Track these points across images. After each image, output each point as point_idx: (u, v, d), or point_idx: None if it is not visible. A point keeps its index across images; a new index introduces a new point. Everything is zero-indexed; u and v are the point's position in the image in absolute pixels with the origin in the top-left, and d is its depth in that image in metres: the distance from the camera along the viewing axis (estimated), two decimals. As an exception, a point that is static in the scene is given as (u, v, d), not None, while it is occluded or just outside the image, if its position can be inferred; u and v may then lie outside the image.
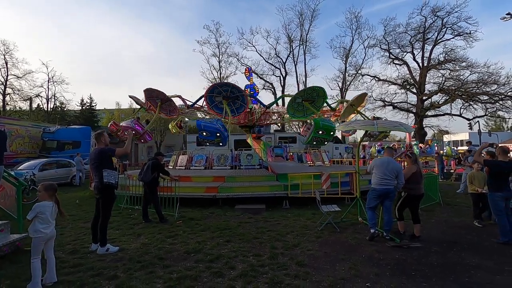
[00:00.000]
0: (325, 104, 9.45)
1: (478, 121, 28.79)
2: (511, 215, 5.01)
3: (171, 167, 13.60)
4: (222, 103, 8.71)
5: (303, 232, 5.51)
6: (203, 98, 9.33)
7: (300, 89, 28.22)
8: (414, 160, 5.25)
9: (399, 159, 12.38)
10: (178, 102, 9.79)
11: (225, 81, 31.63)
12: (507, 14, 27.61)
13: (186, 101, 10.04)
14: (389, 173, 4.88)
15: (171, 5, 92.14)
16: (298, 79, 36.73)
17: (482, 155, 5.77)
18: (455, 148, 26.03)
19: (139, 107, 9.96)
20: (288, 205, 7.92)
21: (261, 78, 36.30)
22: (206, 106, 9.69)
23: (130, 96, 9.56)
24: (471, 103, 26.87)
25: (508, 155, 5.27)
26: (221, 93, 8.51)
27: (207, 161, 12.57)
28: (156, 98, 8.86)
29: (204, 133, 7.77)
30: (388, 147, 6.38)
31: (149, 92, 8.66)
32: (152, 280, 3.48)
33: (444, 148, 21.97)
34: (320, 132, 7.66)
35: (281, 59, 37.19)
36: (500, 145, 5.49)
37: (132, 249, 4.59)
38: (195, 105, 10.05)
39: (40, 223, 3.30)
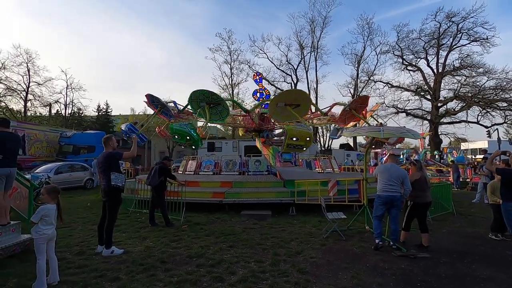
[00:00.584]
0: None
1: (497, 129, 27.77)
2: None
3: (181, 172, 13.79)
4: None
5: (308, 239, 5.44)
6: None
7: (309, 95, 28.19)
8: (419, 167, 5.12)
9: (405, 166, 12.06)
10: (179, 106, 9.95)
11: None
12: (526, 19, 26.74)
13: (179, 105, 10.12)
14: (394, 179, 4.78)
15: (183, 13, 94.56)
16: (309, 86, 36.71)
17: (497, 162, 5.57)
18: (472, 157, 25.17)
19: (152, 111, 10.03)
20: (295, 212, 7.85)
21: (272, 84, 36.45)
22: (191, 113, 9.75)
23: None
24: (488, 110, 25.98)
25: None
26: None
27: (215, 167, 12.67)
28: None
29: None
30: (391, 153, 6.25)
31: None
32: (152, 283, 3.51)
33: (445, 156, 21.26)
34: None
35: (293, 66, 37.34)
36: None
37: (136, 252, 4.65)
38: (185, 111, 10.08)
39: (43, 225, 3.40)
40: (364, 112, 9.06)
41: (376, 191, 5.13)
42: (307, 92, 8.33)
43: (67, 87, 37.01)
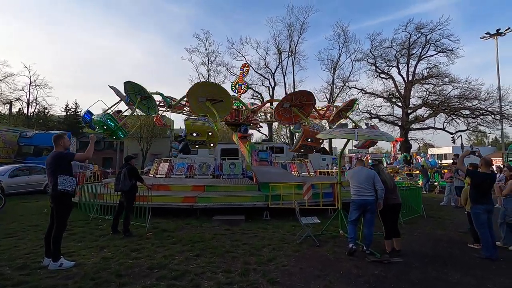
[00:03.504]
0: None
1: (461, 135, 29.48)
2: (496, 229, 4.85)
3: (152, 175, 13.12)
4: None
5: (280, 246, 5.19)
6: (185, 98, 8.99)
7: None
8: (377, 171, 4.91)
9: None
10: (158, 98, 9.46)
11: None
12: (486, 34, 28.85)
13: (169, 99, 9.65)
14: (364, 182, 4.67)
15: (164, 14, 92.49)
16: (287, 90, 36.93)
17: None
18: (439, 162, 26.45)
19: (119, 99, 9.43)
20: (269, 216, 7.61)
21: (250, 88, 36.31)
22: (188, 107, 9.29)
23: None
24: (453, 117, 27.49)
25: (491, 167, 5.16)
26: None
27: (188, 170, 12.16)
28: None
29: (194, 134, 7.17)
30: (358, 158, 6.20)
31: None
32: (102, 301, 3.08)
33: (414, 160, 22.18)
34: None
35: (271, 69, 37.46)
36: (484, 156, 5.30)
37: (90, 264, 4.15)
38: (178, 105, 9.66)
39: None
40: (308, 109, 9.01)
41: (349, 195, 5.01)
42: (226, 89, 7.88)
43: (30, 84, 34.52)
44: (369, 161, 18.73)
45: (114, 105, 8.77)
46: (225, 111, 8.45)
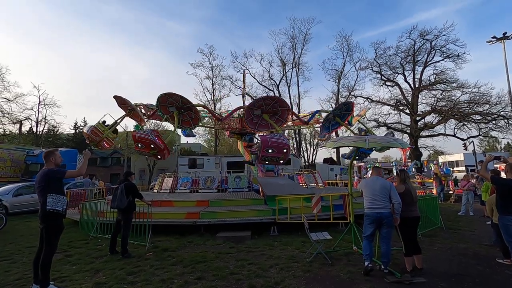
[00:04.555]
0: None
1: (472, 141, 28.63)
2: None
3: (156, 191, 12.85)
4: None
5: (289, 265, 4.77)
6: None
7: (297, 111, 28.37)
8: (402, 179, 4.61)
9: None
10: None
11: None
12: (492, 38, 28.49)
13: (148, 108, 9.49)
14: (379, 193, 4.27)
15: (168, 32, 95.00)
16: (292, 101, 36.82)
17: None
18: (451, 169, 25.58)
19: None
20: (276, 231, 7.18)
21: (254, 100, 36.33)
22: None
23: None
24: (464, 123, 26.80)
25: None
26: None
27: (193, 184, 11.84)
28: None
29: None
30: (375, 166, 5.78)
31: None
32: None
33: (425, 168, 21.44)
34: (270, 150, 6.88)
35: (275, 81, 37.52)
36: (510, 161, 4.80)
37: (81, 291, 3.81)
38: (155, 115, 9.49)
39: None
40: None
41: (361, 206, 4.61)
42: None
43: (39, 103, 35.17)
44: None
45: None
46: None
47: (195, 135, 13.62)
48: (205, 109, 10.61)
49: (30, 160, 19.97)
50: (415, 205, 4.52)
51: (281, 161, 7.38)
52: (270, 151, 6.67)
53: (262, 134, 8.96)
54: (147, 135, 7.18)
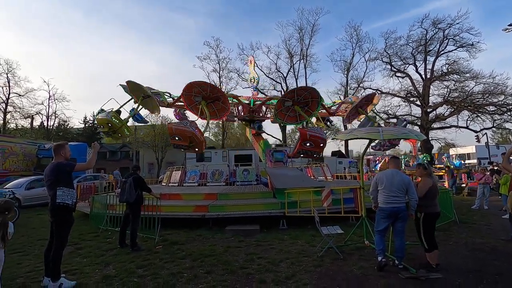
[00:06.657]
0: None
1: (485, 133, 27.85)
2: None
3: (164, 184, 12.91)
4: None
5: (300, 260, 4.69)
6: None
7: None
8: (429, 173, 4.45)
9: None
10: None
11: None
12: (509, 25, 27.34)
13: (167, 95, 9.40)
14: (396, 188, 4.11)
15: (175, 27, 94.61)
16: (300, 93, 36.45)
17: None
18: (463, 162, 24.98)
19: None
20: (286, 225, 7.09)
21: (261, 92, 36.00)
22: (184, 106, 8.92)
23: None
24: (478, 114, 26.02)
25: None
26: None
27: (201, 177, 11.83)
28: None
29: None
30: (393, 156, 5.58)
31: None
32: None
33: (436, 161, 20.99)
34: (308, 144, 6.63)
35: (282, 74, 37.00)
36: None
37: (91, 284, 3.81)
38: (176, 104, 9.36)
39: None
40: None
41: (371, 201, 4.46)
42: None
43: (49, 98, 35.69)
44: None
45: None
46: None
47: (147, 122, 13.51)
48: (235, 99, 10.51)
49: (42, 154, 20.31)
50: (436, 200, 4.38)
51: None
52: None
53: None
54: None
